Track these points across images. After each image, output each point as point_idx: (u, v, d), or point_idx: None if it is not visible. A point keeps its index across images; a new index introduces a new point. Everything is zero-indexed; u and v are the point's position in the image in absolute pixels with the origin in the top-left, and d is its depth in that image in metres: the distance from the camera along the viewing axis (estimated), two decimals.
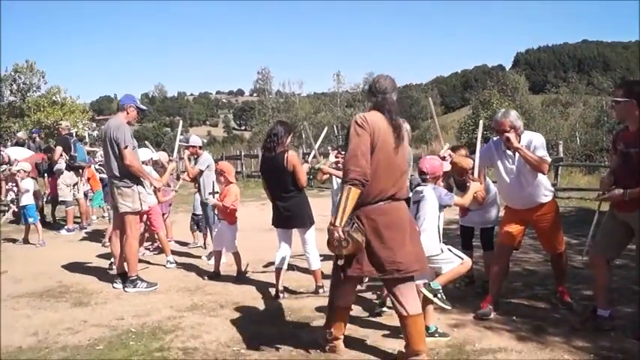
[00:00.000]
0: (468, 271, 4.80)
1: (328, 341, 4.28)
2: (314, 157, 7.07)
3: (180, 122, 8.63)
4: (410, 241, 3.91)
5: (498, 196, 5.89)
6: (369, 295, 5.83)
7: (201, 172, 7.62)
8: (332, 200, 6.94)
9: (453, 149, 5.51)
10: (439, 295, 4.38)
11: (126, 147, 6.08)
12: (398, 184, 3.88)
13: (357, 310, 5.25)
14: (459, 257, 4.52)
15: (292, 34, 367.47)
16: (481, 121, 5.75)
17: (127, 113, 6.35)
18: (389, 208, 3.83)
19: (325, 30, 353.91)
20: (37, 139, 14.52)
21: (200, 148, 7.87)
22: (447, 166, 4.83)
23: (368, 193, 3.75)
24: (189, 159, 7.74)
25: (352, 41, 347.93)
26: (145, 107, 6.77)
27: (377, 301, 5.44)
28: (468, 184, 5.10)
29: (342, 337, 4.32)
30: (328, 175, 6.63)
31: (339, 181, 6.35)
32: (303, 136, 36.10)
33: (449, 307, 4.52)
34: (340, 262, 3.89)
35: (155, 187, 7.02)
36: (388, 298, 4.92)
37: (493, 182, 5.92)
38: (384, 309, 5.21)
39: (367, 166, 3.69)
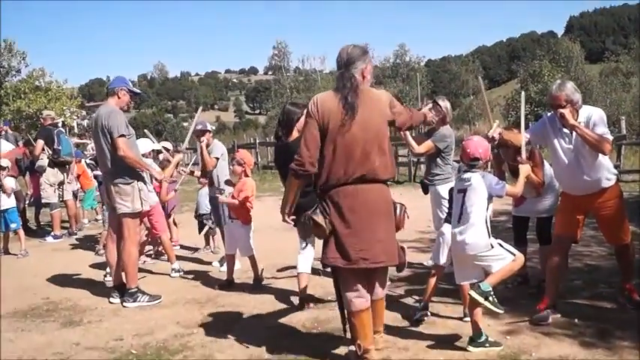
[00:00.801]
0: (520, 268, 4.74)
1: (360, 357, 4.21)
2: None
3: (200, 109, 8.61)
4: (382, 227, 4.13)
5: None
6: (409, 300, 5.83)
7: (216, 160, 7.57)
8: None
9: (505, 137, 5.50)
10: (490, 298, 4.31)
11: (120, 136, 6.06)
12: (366, 165, 4.07)
13: (395, 319, 5.26)
14: (511, 253, 4.46)
15: (312, 1, 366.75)
16: (522, 94, 5.61)
17: (119, 98, 6.34)
18: (354, 190, 4.08)
19: None
20: (9, 131, 14.41)
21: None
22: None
23: (331, 176, 4.10)
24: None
25: (381, 9, 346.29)
26: (139, 91, 6.74)
27: (417, 305, 5.42)
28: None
29: (372, 347, 4.26)
30: None
31: None
32: None
33: (501, 311, 4.44)
34: (303, 246, 4.99)
35: (157, 180, 6.97)
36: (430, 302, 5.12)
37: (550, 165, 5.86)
38: (427, 313, 5.22)
39: (308, 156, 4.09)
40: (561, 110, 4.80)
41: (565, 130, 4.95)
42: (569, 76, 39.58)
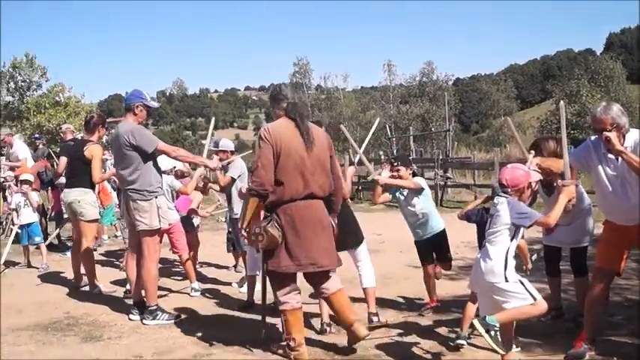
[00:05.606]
0: (551, 305, 4.66)
1: (293, 349, 4.98)
2: (360, 162, 6.83)
3: (213, 119, 8.66)
4: (322, 236, 5.03)
5: (592, 209, 5.78)
6: (442, 330, 5.88)
7: (233, 180, 7.63)
8: (405, 215, 6.51)
9: (538, 142, 5.42)
10: (492, 333, 4.27)
11: (156, 147, 6.26)
12: (312, 185, 4.95)
13: (421, 349, 5.32)
14: (532, 295, 4.35)
15: (334, 17, 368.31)
16: (562, 104, 5.35)
17: (135, 114, 6.45)
18: (304, 204, 4.96)
19: (373, 12, 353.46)
20: (41, 145, 14.61)
21: (232, 153, 7.90)
22: (535, 176, 4.72)
23: (284, 195, 4.90)
24: (221, 168, 7.72)
25: (406, 24, 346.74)
26: (155, 104, 6.80)
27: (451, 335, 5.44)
28: (555, 183, 4.98)
29: (304, 342, 5.05)
30: (382, 191, 6.33)
31: (406, 194, 6.32)
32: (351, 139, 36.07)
33: (501, 352, 4.36)
34: (257, 255, 5.45)
35: (211, 169, 7.03)
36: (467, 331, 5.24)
37: (588, 192, 5.82)
38: (464, 343, 5.25)
39: (266, 177, 4.87)
40: (607, 134, 4.70)
41: (610, 155, 4.85)
42: (610, 96, 39.28)
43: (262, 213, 5.08)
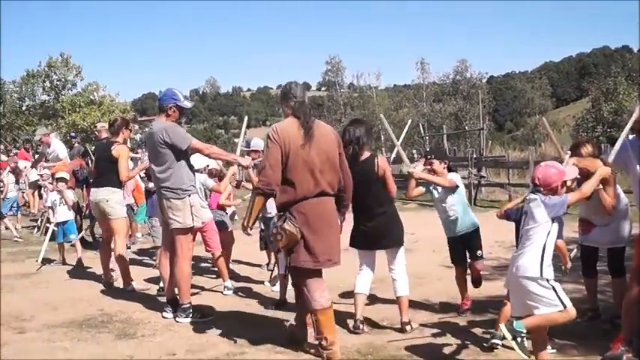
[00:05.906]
0: (591, 304, 4.60)
1: (325, 348, 4.95)
2: (394, 160, 6.78)
3: (245, 118, 8.70)
4: (334, 232, 5.15)
5: (630, 209, 5.70)
6: (477, 330, 5.85)
7: None
8: (437, 211, 6.53)
9: (576, 146, 5.34)
10: (519, 340, 4.24)
11: (189, 144, 6.30)
12: (322, 183, 5.01)
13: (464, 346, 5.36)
14: (562, 303, 4.30)
15: (366, 15, 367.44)
16: None
17: (168, 115, 6.47)
18: (316, 202, 5.01)
19: (406, 10, 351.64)
20: (76, 144, 14.79)
21: (264, 152, 7.92)
22: (571, 173, 4.66)
23: (297, 194, 4.96)
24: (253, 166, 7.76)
25: (439, 22, 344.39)
26: (187, 104, 6.77)
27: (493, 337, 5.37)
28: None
29: (336, 340, 5.03)
30: (416, 184, 6.32)
31: (440, 190, 6.27)
32: (382, 137, 36.00)
33: (527, 358, 4.32)
34: (280, 256, 5.59)
35: (244, 167, 7.08)
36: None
37: (625, 192, 5.73)
38: (499, 343, 5.21)
39: (273, 177, 4.93)
40: None
41: None
42: None
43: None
